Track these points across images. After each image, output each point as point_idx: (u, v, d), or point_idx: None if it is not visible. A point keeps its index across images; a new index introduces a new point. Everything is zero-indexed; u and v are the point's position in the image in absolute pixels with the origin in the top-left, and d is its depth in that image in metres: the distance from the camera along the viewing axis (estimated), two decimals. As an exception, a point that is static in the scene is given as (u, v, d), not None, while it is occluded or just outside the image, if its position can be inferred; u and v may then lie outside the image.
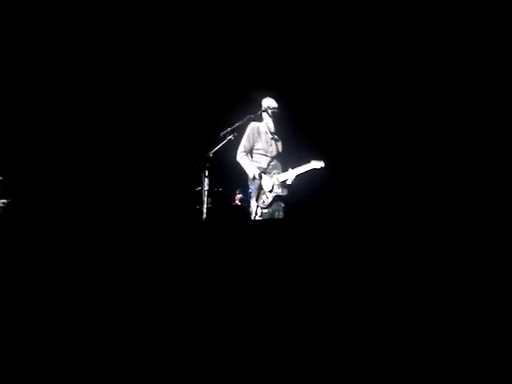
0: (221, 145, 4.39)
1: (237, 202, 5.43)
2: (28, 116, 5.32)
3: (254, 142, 4.60)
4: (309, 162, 4.52)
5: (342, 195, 5.16)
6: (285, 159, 4.71)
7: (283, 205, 4.55)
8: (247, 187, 4.56)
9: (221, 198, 4.90)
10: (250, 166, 4.55)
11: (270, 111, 4.60)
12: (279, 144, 4.74)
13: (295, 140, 4.96)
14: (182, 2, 5.39)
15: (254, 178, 4.51)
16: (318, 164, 4.50)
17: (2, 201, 4.70)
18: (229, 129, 4.43)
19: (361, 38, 5.33)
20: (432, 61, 5.08)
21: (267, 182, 4.50)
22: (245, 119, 4.50)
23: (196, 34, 5.51)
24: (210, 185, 4.35)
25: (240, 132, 4.52)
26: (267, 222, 4.19)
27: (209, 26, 5.47)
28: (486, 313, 2.27)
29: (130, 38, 5.47)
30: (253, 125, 4.62)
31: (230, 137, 4.42)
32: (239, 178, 4.73)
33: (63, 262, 2.74)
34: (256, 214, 4.46)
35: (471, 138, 4.81)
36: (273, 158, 4.64)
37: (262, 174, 4.52)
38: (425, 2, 5.01)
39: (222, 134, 4.44)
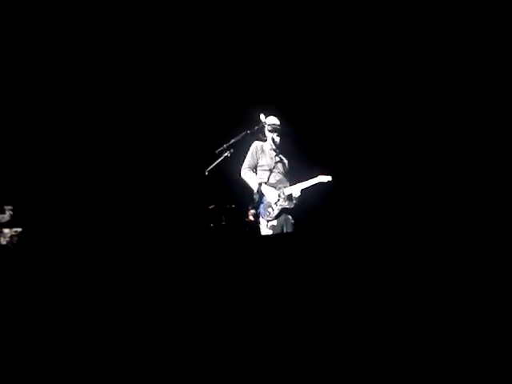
0: (217, 162, 4.44)
1: (250, 217, 5.41)
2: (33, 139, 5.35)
3: (257, 159, 4.65)
4: (316, 176, 4.55)
5: (350, 207, 5.16)
6: (292, 175, 4.74)
7: (291, 217, 4.55)
8: (259, 203, 4.56)
9: (234, 214, 4.90)
10: (253, 180, 4.59)
11: (271, 128, 4.66)
12: (285, 160, 4.78)
13: (301, 156, 4.99)
14: (174, 19, 5.45)
15: (258, 190, 4.53)
16: (325, 178, 4.52)
17: (15, 229, 4.76)
18: (224, 145, 4.48)
19: (360, 50, 5.36)
20: (431, 69, 5.10)
21: (272, 194, 4.52)
22: (241, 135, 4.54)
23: (192, 47, 5.55)
24: (219, 201, 4.39)
25: (236, 149, 4.56)
26: (275, 237, 4.21)
27: (205, 39, 5.51)
28: (486, 313, 2.27)
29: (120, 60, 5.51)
30: (256, 143, 4.70)
31: (226, 154, 4.46)
32: (248, 195, 4.75)
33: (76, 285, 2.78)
34: (263, 226, 4.48)
35: (473, 142, 4.81)
36: (278, 173, 4.67)
37: (265, 186, 4.55)
38: (422, 2, 5.03)
39: (217, 151, 4.48)
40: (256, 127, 4.64)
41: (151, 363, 2.39)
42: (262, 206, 4.53)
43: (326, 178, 4.52)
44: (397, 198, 4.97)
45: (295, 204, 4.56)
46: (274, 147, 4.72)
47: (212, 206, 4.64)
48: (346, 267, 2.95)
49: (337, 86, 5.47)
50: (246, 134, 4.58)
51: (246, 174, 4.62)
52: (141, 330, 2.51)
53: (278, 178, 4.63)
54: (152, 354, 2.40)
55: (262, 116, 4.69)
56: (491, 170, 4.61)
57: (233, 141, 4.50)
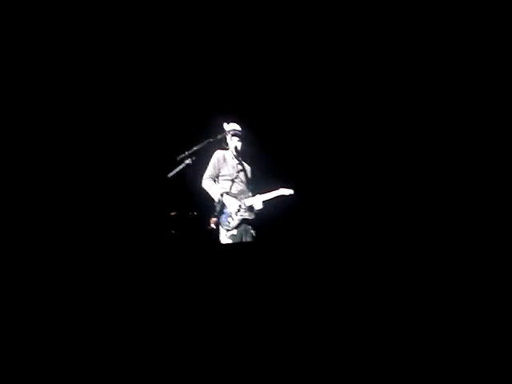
0: (178, 169, 4.38)
1: (212, 225, 5.33)
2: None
3: (219, 169, 4.62)
4: (277, 188, 4.51)
5: (313, 220, 5.16)
6: (254, 184, 4.73)
7: (251, 228, 4.54)
8: (220, 212, 4.52)
9: (195, 222, 4.82)
10: (214, 190, 4.57)
11: (233, 133, 4.65)
12: (247, 168, 4.76)
13: (264, 165, 4.98)
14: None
15: (219, 200, 4.50)
16: (286, 191, 4.49)
17: None
18: (186, 153, 4.42)
19: (328, 56, 5.38)
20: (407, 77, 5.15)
21: (232, 204, 4.50)
22: (203, 143, 4.50)
23: (159, 51, 5.47)
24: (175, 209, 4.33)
25: (198, 156, 4.50)
26: (235, 246, 4.18)
27: (171, 43, 5.45)
28: (486, 313, 2.28)
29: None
30: (218, 152, 4.67)
31: (188, 161, 4.41)
32: (209, 203, 4.70)
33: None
34: (223, 236, 4.45)
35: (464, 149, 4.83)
36: (240, 182, 4.65)
37: (227, 196, 4.52)
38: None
39: (178, 158, 4.42)
40: (219, 136, 4.60)
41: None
42: (222, 215, 4.50)
43: (288, 192, 4.49)
44: (361, 213, 4.99)
45: (255, 215, 4.54)
46: (235, 154, 4.70)
47: (174, 213, 4.56)
48: (304, 278, 2.95)
49: (304, 96, 5.47)
50: (209, 142, 4.54)
51: (208, 184, 4.60)
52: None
53: (239, 189, 4.61)
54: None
55: (224, 125, 4.66)
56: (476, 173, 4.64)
57: (195, 148, 4.45)
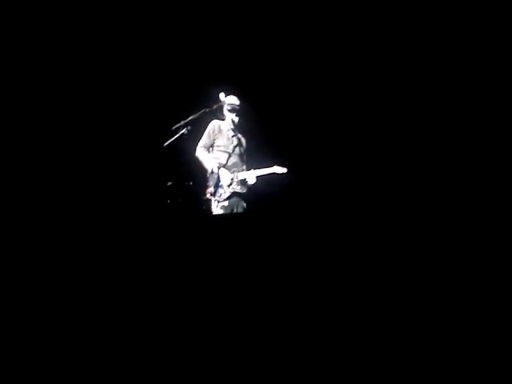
0: (173, 138, 4.35)
1: (208, 195, 5.32)
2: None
3: (214, 139, 4.59)
4: (271, 166, 4.49)
5: (306, 198, 5.17)
6: (249, 156, 4.71)
7: (243, 201, 4.53)
8: (214, 182, 4.51)
9: (192, 191, 4.79)
10: (208, 160, 4.54)
11: (230, 108, 4.59)
12: (242, 141, 4.72)
13: (260, 139, 4.94)
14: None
15: (212, 171, 4.49)
16: (280, 169, 4.47)
17: None
18: (182, 122, 4.38)
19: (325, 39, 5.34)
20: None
21: (226, 177, 4.49)
22: (199, 113, 4.45)
23: (153, 23, 5.38)
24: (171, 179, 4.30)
25: (194, 126, 4.47)
26: (227, 216, 4.20)
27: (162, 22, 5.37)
28: (486, 313, 2.30)
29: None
30: (214, 122, 4.61)
31: (183, 130, 4.37)
32: (203, 174, 4.66)
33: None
34: (214, 206, 4.46)
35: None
36: (234, 155, 4.62)
37: (221, 168, 4.51)
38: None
39: (174, 127, 4.38)
40: (215, 106, 4.55)
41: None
42: (214, 186, 4.50)
43: (281, 170, 4.47)
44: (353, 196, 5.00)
45: (248, 189, 4.54)
46: (232, 127, 4.66)
47: (170, 183, 4.53)
48: (294, 254, 2.96)
49: (301, 73, 5.42)
50: (205, 111, 4.49)
51: (201, 154, 4.57)
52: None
53: (233, 161, 4.60)
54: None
55: (221, 95, 4.59)
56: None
57: (190, 118, 4.41)
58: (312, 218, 3.42)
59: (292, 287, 2.66)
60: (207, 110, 4.51)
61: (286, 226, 3.17)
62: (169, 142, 4.37)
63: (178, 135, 4.38)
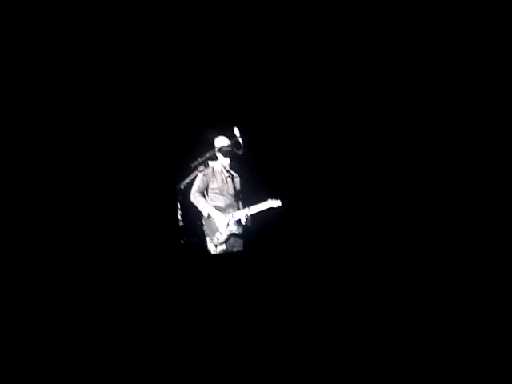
0: (192, 176, 4.38)
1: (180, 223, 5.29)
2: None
3: (208, 182, 4.64)
4: (265, 200, 4.55)
5: (303, 232, 5.17)
6: (243, 197, 4.74)
7: (241, 241, 4.57)
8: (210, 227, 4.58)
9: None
10: (203, 204, 4.59)
11: (223, 150, 4.64)
12: (236, 182, 4.77)
13: (254, 177, 4.98)
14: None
15: (209, 216, 4.54)
16: (274, 203, 4.53)
17: None
18: (200, 159, 4.43)
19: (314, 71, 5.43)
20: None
21: (221, 220, 4.53)
22: (215, 150, 4.54)
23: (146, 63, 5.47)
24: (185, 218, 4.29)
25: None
26: (225, 256, 4.21)
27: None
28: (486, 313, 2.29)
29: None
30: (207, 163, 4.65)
31: (201, 168, 4.43)
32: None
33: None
34: (212, 251, 4.50)
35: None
36: (229, 195, 4.67)
37: (216, 212, 4.55)
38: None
39: (193, 165, 4.41)
40: (215, 150, 4.62)
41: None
42: (206, 229, 4.56)
43: (276, 203, 4.53)
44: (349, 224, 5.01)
45: (244, 228, 4.57)
46: (225, 167, 4.73)
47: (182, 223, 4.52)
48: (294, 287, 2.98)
49: (291, 107, 5.50)
50: (215, 152, 4.58)
51: (197, 199, 4.60)
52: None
53: (228, 202, 4.64)
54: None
55: (215, 140, 4.69)
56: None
57: (208, 155, 4.48)
58: (309, 250, 3.45)
59: (291, 323, 2.68)
60: (215, 151, 4.58)
61: (285, 263, 3.20)
62: (187, 180, 4.38)
63: (196, 173, 4.43)
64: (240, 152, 4.67)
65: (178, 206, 4.29)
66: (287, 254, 3.53)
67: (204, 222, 4.60)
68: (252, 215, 4.56)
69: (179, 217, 4.28)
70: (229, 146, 4.66)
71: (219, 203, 4.62)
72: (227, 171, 4.73)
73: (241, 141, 4.62)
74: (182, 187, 4.34)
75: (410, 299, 2.54)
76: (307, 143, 5.43)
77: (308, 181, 5.37)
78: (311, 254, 3.33)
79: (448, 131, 4.82)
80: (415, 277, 2.72)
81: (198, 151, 4.66)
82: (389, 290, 2.67)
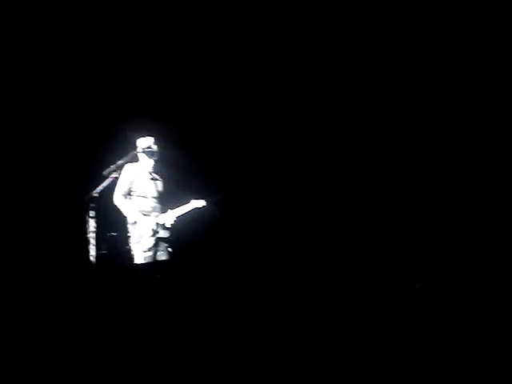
0: (106, 183, 4.13)
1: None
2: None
3: (131, 184, 4.46)
4: (188, 202, 4.48)
5: (231, 233, 5.15)
6: (166, 199, 4.60)
7: (167, 245, 4.44)
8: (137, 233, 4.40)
9: (115, 242, 4.60)
10: (128, 209, 4.41)
11: (144, 150, 4.47)
12: (159, 184, 4.62)
13: (178, 178, 4.86)
14: None
15: (135, 222, 4.38)
16: (198, 203, 4.47)
17: None
18: (112, 166, 4.18)
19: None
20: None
21: (147, 225, 4.39)
22: (129, 156, 4.30)
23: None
24: (97, 228, 4.09)
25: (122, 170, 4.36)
26: (151, 265, 4.09)
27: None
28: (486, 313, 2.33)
29: None
30: (129, 167, 4.45)
31: (115, 175, 4.21)
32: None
33: None
34: (139, 256, 4.31)
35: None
36: (153, 198, 4.51)
37: (142, 217, 4.39)
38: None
39: (105, 172, 4.15)
40: (136, 151, 4.43)
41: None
42: (131, 235, 4.38)
43: (200, 203, 4.47)
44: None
45: (170, 231, 4.46)
46: (148, 170, 4.56)
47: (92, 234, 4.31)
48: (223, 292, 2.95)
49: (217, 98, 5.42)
50: (134, 154, 4.37)
51: (120, 202, 4.41)
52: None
53: (152, 205, 4.48)
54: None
55: (137, 141, 4.52)
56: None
57: (121, 162, 4.22)
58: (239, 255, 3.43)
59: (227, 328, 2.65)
60: (136, 152, 4.39)
61: (213, 267, 3.16)
62: (100, 188, 4.10)
63: (110, 180, 4.17)
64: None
65: (91, 214, 4.05)
66: (215, 257, 3.51)
67: (129, 227, 4.42)
68: (177, 217, 4.46)
69: (91, 227, 4.06)
70: (148, 147, 4.50)
71: (143, 206, 4.45)
72: (150, 173, 4.59)
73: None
74: (96, 195, 4.12)
75: (397, 299, 2.57)
76: (229, 140, 5.41)
77: (232, 179, 5.35)
78: (244, 255, 3.32)
79: (448, 131, 4.91)
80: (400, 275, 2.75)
81: (104, 157, 4.49)
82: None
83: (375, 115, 5.19)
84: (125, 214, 4.41)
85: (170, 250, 4.46)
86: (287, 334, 2.49)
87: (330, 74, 5.18)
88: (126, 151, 4.38)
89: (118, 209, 4.42)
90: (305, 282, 2.88)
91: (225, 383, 2.34)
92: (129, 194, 4.46)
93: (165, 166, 4.71)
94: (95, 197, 4.02)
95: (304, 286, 2.84)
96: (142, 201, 4.47)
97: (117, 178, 4.26)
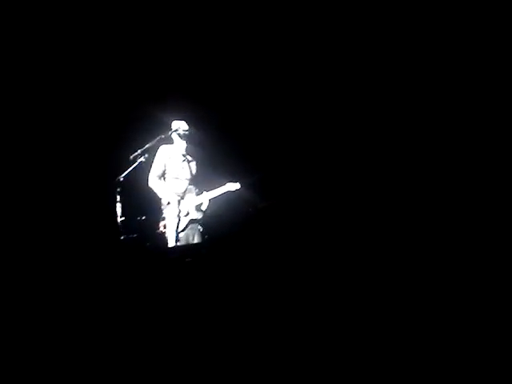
0: (132, 168, 4.19)
1: (162, 229, 5.18)
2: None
3: (165, 166, 4.48)
4: (224, 184, 4.44)
5: (263, 217, 5.10)
6: (200, 181, 4.60)
7: (200, 228, 4.46)
8: (170, 214, 4.39)
9: (145, 227, 4.62)
10: (161, 190, 4.44)
11: (180, 133, 4.48)
12: (193, 166, 4.64)
13: (211, 161, 4.86)
14: None
15: (168, 203, 4.39)
16: (233, 186, 4.42)
17: None
18: (139, 150, 4.24)
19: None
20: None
21: (182, 207, 4.40)
22: (155, 140, 4.33)
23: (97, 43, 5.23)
24: (126, 212, 4.11)
25: (151, 154, 4.36)
26: (183, 248, 4.08)
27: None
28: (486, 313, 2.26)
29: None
30: (163, 148, 4.49)
31: (141, 159, 4.25)
32: (157, 205, 4.52)
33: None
34: (171, 238, 4.32)
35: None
36: (187, 180, 4.53)
37: (176, 199, 4.40)
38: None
39: (132, 156, 4.22)
40: (170, 132, 4.45)
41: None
42: (166, 216, 4.39)
43: (234, 186, 4.42)
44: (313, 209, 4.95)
45: (204, 214, 4.45)
46: (182, 152, 4.57)
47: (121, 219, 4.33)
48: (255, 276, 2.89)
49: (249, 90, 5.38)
50: (161, 138, 4.37)
51: (154, 184, 4.45)
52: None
53: (186, 187, 4.49)
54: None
55: (173, 123, 4.52)
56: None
57: (147, 146, 4.27)
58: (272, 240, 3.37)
59: (258, 317, 2.61)
60: (163, 136, 4.39)
61: (247, 251, 3.11)
62: (127, 172, 4.18)
63: (136, 164, 4.22)
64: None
65: (118, 199, 4.06)
66: (251, 239, 3.46)
67: (164, 209, 4.43)
68: (211, 200, 4.43)
69: (119, 211, 4.07)
70: (186, 130, 4.51)
71: (177, 188, 4.47)
72: (183, 155, 4.56)
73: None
74: (122, 179, 4.13)
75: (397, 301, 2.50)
76: (265, 126, 5.34)
77: (267, 164, 5.29)
78: (276, 239, 3.27)
79: (448, 131, 4.79)
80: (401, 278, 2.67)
81: (130, 142, 4.51)
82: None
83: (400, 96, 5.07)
84: (159, 195, 4.42)
85: (201, 230, 4.46)
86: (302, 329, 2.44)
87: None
88: (154, 135, 4.40)
89: (149, 192, 4.43)
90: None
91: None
92: (163, 176, 4.47)
93: (198, 148, 4.67)
94: (121, 181, 4.08)
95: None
96: (176, 182, 4.47)
97: (143, 162, 4.25)
